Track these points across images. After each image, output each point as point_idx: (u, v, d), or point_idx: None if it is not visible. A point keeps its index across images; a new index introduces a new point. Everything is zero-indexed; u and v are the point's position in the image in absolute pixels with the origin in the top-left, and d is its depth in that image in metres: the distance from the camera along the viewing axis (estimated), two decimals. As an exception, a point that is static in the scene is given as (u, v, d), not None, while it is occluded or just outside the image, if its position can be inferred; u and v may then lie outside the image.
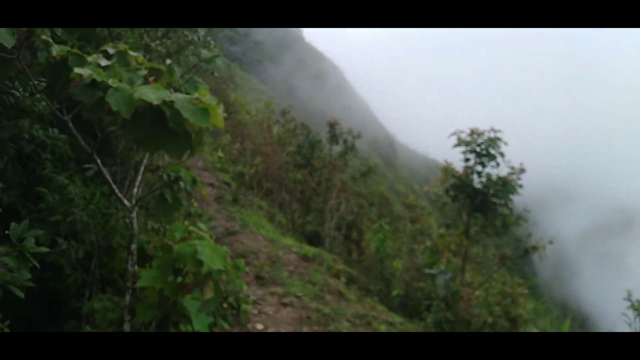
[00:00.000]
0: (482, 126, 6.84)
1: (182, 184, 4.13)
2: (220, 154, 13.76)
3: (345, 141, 12.16)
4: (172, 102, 2.69)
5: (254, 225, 8.76)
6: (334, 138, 12.13)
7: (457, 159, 6.98)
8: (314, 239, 10.56)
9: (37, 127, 4.56)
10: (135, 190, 3.61)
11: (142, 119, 2.76)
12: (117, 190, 3.30)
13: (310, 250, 7.32)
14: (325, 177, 12.02)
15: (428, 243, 7.91)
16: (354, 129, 12.46)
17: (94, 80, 2.59)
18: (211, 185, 10.98)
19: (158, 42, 4.88)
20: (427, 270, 6.27)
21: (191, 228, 3.72)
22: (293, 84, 79.46)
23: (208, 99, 2.96)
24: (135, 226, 3.43)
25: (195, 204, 7.45)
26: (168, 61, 4.72)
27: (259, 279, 5.86)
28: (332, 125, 12.10)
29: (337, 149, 12.41)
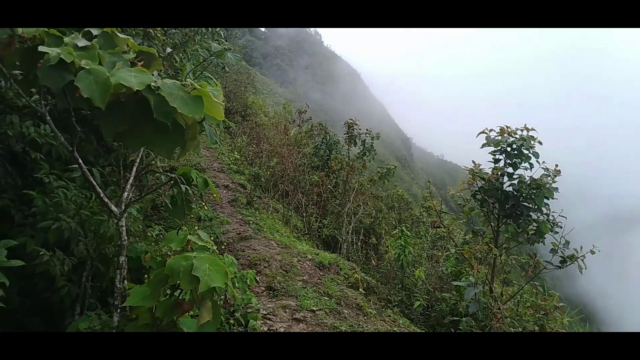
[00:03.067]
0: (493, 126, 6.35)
1: (184, 186, 3.70)
2: (237, 155, 13.42)
3: (363, 142, 11.66)
4: (158, 88, 2.24)
5: (268, 229, 8.32)
6: (352, 139, 11.64)
7: (478, 162, 6.49)
8: (330, 244, 10.11)
9: (28, 124, 4.18)
10: (125, 194, 3.17)
11: (123, 108, 2.32)
12: (102, 194, 2.86)
13: (326, 257, 6.84)
14: (342, 179, 11.56)
15: (452, 250, 7.37)
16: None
17: (62, 62, 2.15)
18: (226, 187, 10.61)
19: (160, 29, 4.44)
20: (455, 282, 5.73)
21: (190, 237, 3.25)
22: (311, 87, 79.79)
23: (212, 90, 2.52)
24: (125, 235, 2.99)
25: (206, 208, 7.04)
26: (169, 49, 4.29)
27: (271, 290, 5.38)
28: (350, 126, 11.60)
29: (355, 150, 11.93)
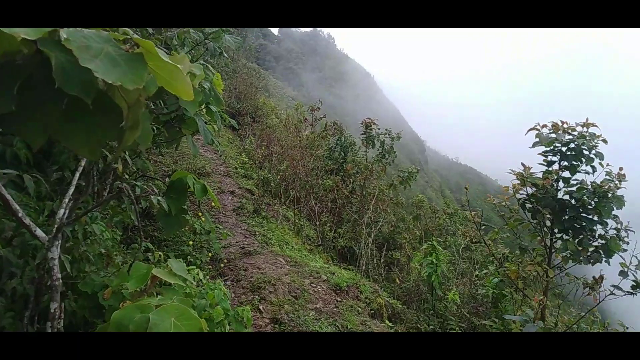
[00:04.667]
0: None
1: (155, 198, 2.75)
2: (245, 158, 12.50)
3: (382, 143, 10.65)
4: (66, 40, 1.29)
5: (277, 241, 7.35)
6: (369, 139, 10.64)
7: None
8: (346, 255, 9.11)
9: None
10: (62, 211, 2.20)
11: (14, 75, 1.38)
12: (21, 214, 1.91)
13: (343, 276, 5.83)
14: (359, 183, 10.55)
15: (491, 268, 6.33)
16: (386, 136, 11.00)
17: None
18: (232, 193, 9.66)
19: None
20: (507, 316, 4.69)
21: (154, 272, 2.28)
22: (323, 89, 79.12)
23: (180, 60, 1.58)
24: (57, 272, 2.04)
25: (203, 219, 6.08)
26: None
27: (276, 324, 4.39)
28: (368, 125, 10.61)
29: (373, 153, 10.94)
